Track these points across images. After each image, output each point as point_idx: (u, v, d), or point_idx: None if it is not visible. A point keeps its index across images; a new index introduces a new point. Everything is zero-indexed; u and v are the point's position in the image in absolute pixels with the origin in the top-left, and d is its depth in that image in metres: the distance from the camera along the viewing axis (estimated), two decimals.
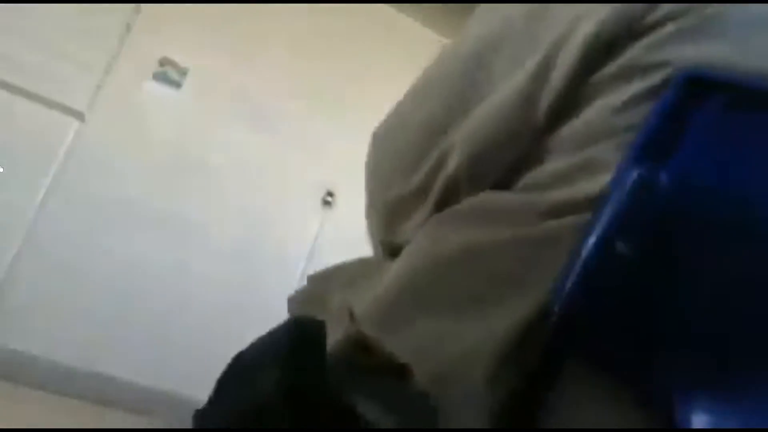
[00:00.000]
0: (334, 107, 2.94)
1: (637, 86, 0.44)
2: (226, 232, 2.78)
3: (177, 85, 2.80)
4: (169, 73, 2.80)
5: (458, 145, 0.50)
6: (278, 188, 2.89)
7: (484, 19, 0.54)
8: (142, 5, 2.73)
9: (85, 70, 2.65)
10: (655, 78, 0.43)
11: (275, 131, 2.90)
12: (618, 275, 0.40)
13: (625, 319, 0.40)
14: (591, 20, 0.45)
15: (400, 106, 0.59)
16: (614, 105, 0.44)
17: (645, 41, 0.44)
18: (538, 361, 0.40)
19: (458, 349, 0.42)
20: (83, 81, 2.65)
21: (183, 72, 2.81)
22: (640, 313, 0.40)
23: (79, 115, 2.64)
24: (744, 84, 0.42)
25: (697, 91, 0.41)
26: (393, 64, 2.81)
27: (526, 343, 0.39)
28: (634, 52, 0.44)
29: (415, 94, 0.58)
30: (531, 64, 0.47)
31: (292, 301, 0.63)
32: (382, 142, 0.60)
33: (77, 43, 2.64)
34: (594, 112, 0.45)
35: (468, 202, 0.49)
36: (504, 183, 0.49)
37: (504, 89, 0.48)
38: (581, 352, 0.40)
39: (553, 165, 0.46)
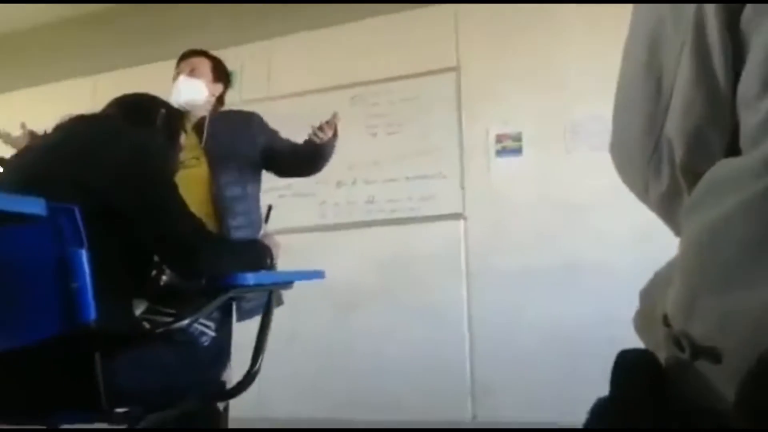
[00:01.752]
0: None
1: None
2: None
3: (519, 151, 3.07)
4: (507, 145, 3.10)
5: (674, 142, 0.54)
6: None
7: (641, 19, 0.57)
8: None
9: (443, 178, 3.18)
10: None
11: None
12: None
13: None
14: None
15: (614, 111, 0.64)
16: None
17: None
18: None
19: (750, 319, 0.42)
20: (447, 189, 3.16)
21: (518, 138, 3.08)
22: None
23: (460, 216, 3.13)
24: None
25: None
26: None
27: None
28: None
29: (617, 102, 0.63)
30: (686, 47, 0.49)
31: (634, 323, 0.67)
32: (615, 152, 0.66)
33: (423, 160, 3.20)
34: (761, 53, 0.44)
35: (699, 184, 0.51)
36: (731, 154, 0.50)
37: (680, 82, 0.51)
38: None
39: (751, 120, 0.46)
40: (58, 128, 1.50)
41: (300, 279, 1.66)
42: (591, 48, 3.04)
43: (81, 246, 1.27)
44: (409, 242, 3.22)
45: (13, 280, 1.26)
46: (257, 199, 2.21)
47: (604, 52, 2.98)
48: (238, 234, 2.03)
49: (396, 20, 3.46)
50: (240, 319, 1.90)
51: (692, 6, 0.49)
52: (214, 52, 2.39)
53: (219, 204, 2.05)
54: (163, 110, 1.61)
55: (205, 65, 2.26)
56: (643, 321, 0.65)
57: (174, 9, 3.98)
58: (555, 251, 2.96)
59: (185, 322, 1.29)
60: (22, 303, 1.27)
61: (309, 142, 2.19)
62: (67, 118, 1.50)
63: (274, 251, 1.63)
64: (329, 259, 3.21)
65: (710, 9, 0.47)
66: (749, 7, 0.45)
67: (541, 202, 3.02)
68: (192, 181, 2.04)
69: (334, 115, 2.17)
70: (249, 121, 2.26)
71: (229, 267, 1.41)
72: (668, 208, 0.60)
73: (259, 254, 1.57)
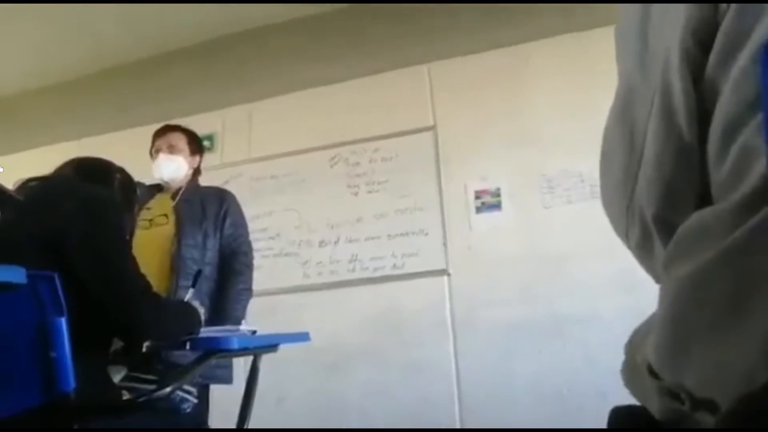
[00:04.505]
0: None
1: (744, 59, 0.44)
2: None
3: (498, 207, 3.12)
4: (486, 200, 3.15)
5: (645, 193, 0.56)
6: None
7: (622, 70, 0.61)
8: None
9: (425, 235, 3.20)
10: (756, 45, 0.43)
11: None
12: None
13: None
14: (676, 39, 0.49)
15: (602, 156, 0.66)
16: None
17: (726, 22, 0.45)
18: None
19: (741, 370, 0.42)
20: (429, 246, 3.18)
21: (496, 193, 3.14)
22: None
23: (444, 272, 3.14)
24: None
25: None
26: None
27: None
28: (726, 31, 0.46)
29: (602, 150, 0.65)
30: (655, 102, 0.52)
31: (622, 376, 0.64)
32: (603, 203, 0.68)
33: (404, 218, 3.23)
34: (726, 98, 0.46)
35: (675, 236, 0.52)
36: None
37: (650, 136, 0.53)
38: None
39: (718, 175, 0.47)
40: (17, 191, 1.49)
41: (286, 342, 1.63)
42: (563, 104, 3.15)
43: (61, 314, 1.25)
44: (394, 300, 3.20)
45: None
46: (213, 269, 2.23)
47: (575, 109, 3.11)
48: (183, 294, 2.03)
49: (373, 82, 3.56)
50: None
51: (660, 60, 0.51)
52: (196, 116, 2.46)
53: (175, 262, 2.10)
54: (118, 175, 1.63)
55: (182, 141, 2.36)
56: (629, 373, 0.65)
57: (157, 73, 4.05)
58: (539, 304, 2.96)
59: (168, 389, 1.26)
60: (1, 372, 1.23)
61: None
62: (21, 181, 1.50)
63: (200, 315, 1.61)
64: (314, 319, 3.18)
65: (674, 63, 0.49)
66: (713, 57, 0.47)
67: (522, 255, 3.04)
68: (158, 237, 2.13)
69: None
70: (223, 196, 2.35)
71: (170, 332, 1.39)
72: (644, 256, 0.62)
73: (194, 318, 1.54)
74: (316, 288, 3.35)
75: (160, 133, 2.39)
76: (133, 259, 1.39)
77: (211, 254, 2.19)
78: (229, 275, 2.21)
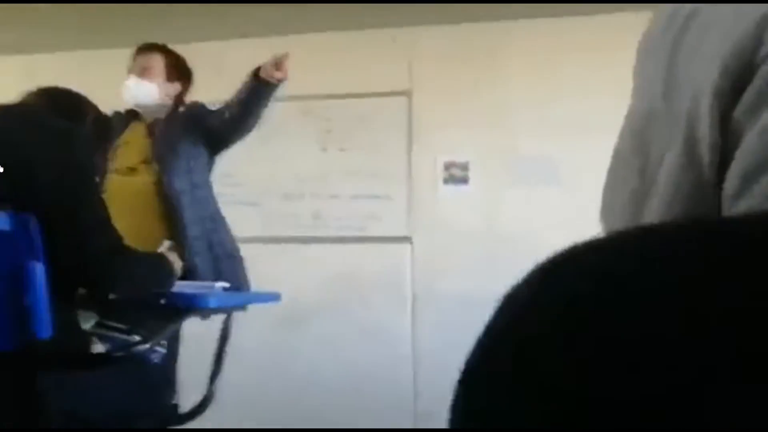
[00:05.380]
0: None
1: None
2: None
3: (465, 181, 3.17)
4: (454, 173, 3.19)
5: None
6: None
7: (636, 81, 0.62)
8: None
9: (390, 200, 3.23)
10: None
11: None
12: None
13: None
14: (710, 76, 0.51)
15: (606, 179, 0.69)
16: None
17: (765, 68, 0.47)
18: None
19: None
20: (394, 211, 3.21)
21: (465, 167, 3.18)
22: None
23: (407, 240, 3.19)
24: None
25: None
26: None
27: None
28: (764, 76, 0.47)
29: (610, 167, 0.67)
30: (674, 136, 0.53)
31: None
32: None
33: (372, 181, 3.24)
34: (752, 142, 0.47)
35: None
36: None
37: (664, 172, 0.54)
38: None
39: (738, 210, 0.48)
40: None
41: (257, 302, 1.64)
42: (534, 86, 3.19)
43: (37, 259, 1.22)
44: (354, 261, 3.23)
45: None
46: (208, 185, 2.16)
47: (549, 93, 3.15)
48: (196, 224, 1.99)
49: (352, 38, 3.48)
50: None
51: (687, 91, 0.52)
52: (171, 46, 2.31)
53: (166, 207, 1.99)
54: (91, 111, 1.54)
55: (158, 63, 2.17)
56: None
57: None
58: (498, 281, 3.01)
59: (148, 344, 1.25)
60: None
61: (253, 86, 2.07)
62: None
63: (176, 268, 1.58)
64: (273, 271, 3.16)
65: (704, 100, 0.50)
66: (745, 99, 0.48)
67: (485, 232, 3.12)
68: (133, 186, 2.01)
69: (286, 55, 2.04)
70: (194, 116, 2.19)
71: (140, 287, 1.38)
72: None
73: (168, 272, 1.49)
74: (276, 241, 3.34)
75: (138, 52, 2.20)
76: (103, 206, 1.34)
77: (199, 170, 2.10)
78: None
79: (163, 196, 2.00)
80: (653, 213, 0.59)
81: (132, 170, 2.04)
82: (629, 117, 0.63)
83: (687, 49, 0.54)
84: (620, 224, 0.65)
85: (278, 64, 1.98)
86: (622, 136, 0.65)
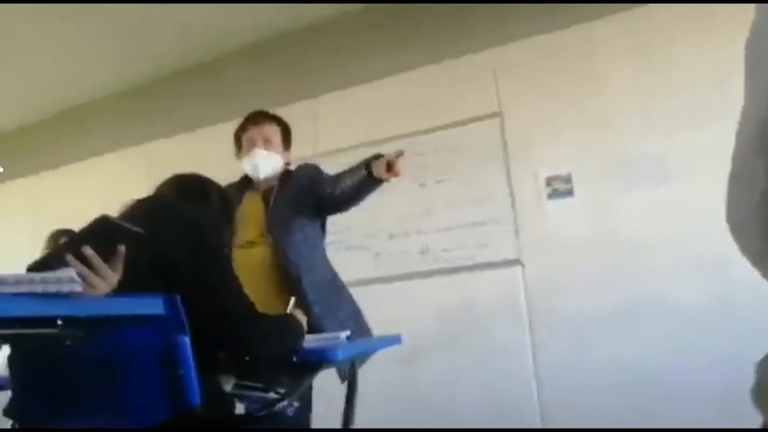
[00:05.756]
0: None
1: None
2: None
3: (570, 193, 3.08)
4: (557, 187, 3.12)
5: None
6: None
7: (749, 82, 0.60)
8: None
9: (496, 224, 3.20)
10: None
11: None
12: None
13: None
14: None
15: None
16: None
17: None
18: None
19: None
20: (501, 235, 3.18)
21: (568, 179, 3.10)
22: None
23: (517, 262, 3.14)
24: None
25: None
26: None
27: None
28: None
29: (733, 170, 0.65)
30: None
31: (752, 396, 0.67)
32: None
33: (474, 208, 3.23)
34: None
35: None
36: None
37: None
38: None
39: None
40: (121, 216, 1.56)
41: (380, 347, 1.69)
42: (635, 84, 3.07)
43: (185, 333, 1.33)
44: (467, 290, 3.23)
45: (123, 369, 1.32)
46: (321, 250, 2.19)
47: (648, 88, 3.02)
48: (315, 289, 2.01)
49: (434, 71, 3.54)
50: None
51: None
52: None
53: (288, 273, 2.01)
54: (216, 191, 1.67)
55: (277, 134, 2.22)
56: (760, 394, 0.65)
57: (221, 73, 4.16)
58: (614, 290, 2.93)
59: (286, 402, 1.33)
60: (132, 390, 1.33)
61: (364, 179, 2.02)
62: (127, 204, 1.55)
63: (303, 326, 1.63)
64: (387, 311, 3.23)
65: None
66: None
67: (596, 242, 3.01)
68: (254, 259, 2.05)
69: (400, 153, 1.95)
70: (307, 180, 2.20)
71: (273, 347, 1.45)
72: None
73: (297, 331, 1.57)
74: (387, 280, 3.41)
75: (252, 122, 2.21)
76: (235, 277, 1.45)
77: (313, 236, 2.12)
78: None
79: (280, 267, 2.04)
80: None
81: (251, 243, 2.08)
82: (745, 119, 0.62)
83: None
84: (755, 229, 0.63)
85: (390, 164, 1.92)
86: (741, 138, 0.63)
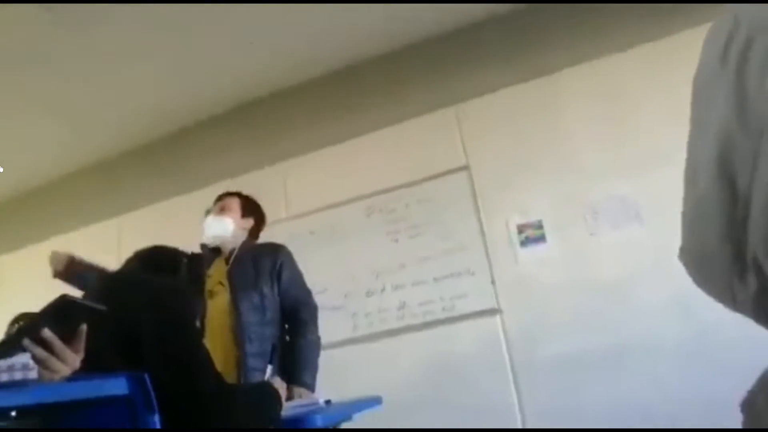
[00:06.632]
0: None
1: None
2: None
3: (542, 239, 3.11)
4: (529, 234, 3.14)
5: (760, 247, 0.55)
6: None
7: (704, 119, 0.61)
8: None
9: (471, 275, 3.19)
10: None
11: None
12: None
13: None
14: None
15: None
16: None
17: None
18: None
19: None
20: (477, 285, 3.16)
21: (539, 225, 3.13)
22: None
23: (496, 311, 3.12)
24: None
25: None
26: None
27: None
28: None
29: (687, 207, 0.66)
30: (759, 154, 0.53)
31: (742, 406, 0.64)
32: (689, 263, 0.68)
33: (449, 260, 3.23)
34: None
35: None
36: None
37: (757, 189, 0.54)
38: None
39: None
40: (85, 294, 1.52)
41: (360, 410, 1.64)
42: (600, 130, 3.15)
43: (153, 412, 1.27)
44: (447, 343, 3.18)
45: None
46: (276, 326, 2.27)
47: (613, 133, 3.10)
48: (251, 361, 2.09)
49: (402, 128, 3.60)
50: None
51: (759, 113, 0.52)
52: (236, 178, 2.52)
53: (237, 331, 2.14)
54: (185, 259, 1.65)
55: (234, 203, 2.46)
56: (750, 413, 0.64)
57: (189, 139, 4.17)
58: (596, 334, 2.92)
59: None
60: None
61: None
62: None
63: (280, 393, 1.60)
64: (368, 371, 3.16)
65: None
66: None
67: (573, 286, 3.02)
68: (217, 308, 2.18)
69: None
70: (276, 250, 2.39)
71: (244, 421, 1.40)
72: (759, 308, 0.61)
73: (272, 402, 1.52)
74: (367, 339, 3.35)
75: (217, 199, 2.51)
76: (205, 351, 1.40)
77: (271, 313, 2.22)
78: (297, 327, 2.27)
79: (232, 322, 2.18)
80: (755, 241, 0.56)
81: (213, 293, 2.22)
82: (698, 150, 0.63)
83: (753, 75, 0.56)
84: (720, 260, 0.62)
85: None
86: (697, 172, 0.64)
